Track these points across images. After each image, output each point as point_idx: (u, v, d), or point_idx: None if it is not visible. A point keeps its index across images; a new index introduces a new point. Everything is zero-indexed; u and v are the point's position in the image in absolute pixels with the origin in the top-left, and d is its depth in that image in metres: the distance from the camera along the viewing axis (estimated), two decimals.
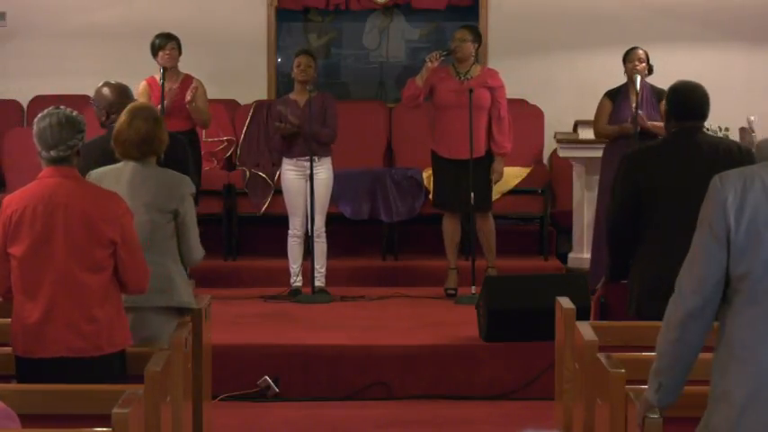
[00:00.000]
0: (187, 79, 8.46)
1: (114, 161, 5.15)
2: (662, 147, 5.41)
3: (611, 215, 5.39)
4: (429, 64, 8.22)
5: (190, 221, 5.10)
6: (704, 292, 3.18)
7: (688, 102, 5.25)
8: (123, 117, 5.09)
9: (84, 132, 4.48)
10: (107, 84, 5.76)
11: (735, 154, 5.21)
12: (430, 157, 8.48)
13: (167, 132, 5.16)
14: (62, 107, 4.50)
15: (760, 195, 3.14)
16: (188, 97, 8.27)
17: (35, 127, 4.45)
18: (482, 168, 8.28)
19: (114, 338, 4.47)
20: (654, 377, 3.35)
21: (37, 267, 4.39)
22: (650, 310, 5.09)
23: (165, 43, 8.36)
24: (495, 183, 8.48)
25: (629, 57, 8.17)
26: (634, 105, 8.01)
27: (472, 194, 8.14)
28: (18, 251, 4.40)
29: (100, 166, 5.13)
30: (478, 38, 8.47)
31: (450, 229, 8.47)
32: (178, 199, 5.05)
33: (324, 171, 8.38)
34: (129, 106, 5.20)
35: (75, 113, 4.49)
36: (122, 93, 5.70)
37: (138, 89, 8.22)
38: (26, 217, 4.39)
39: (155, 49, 8.38)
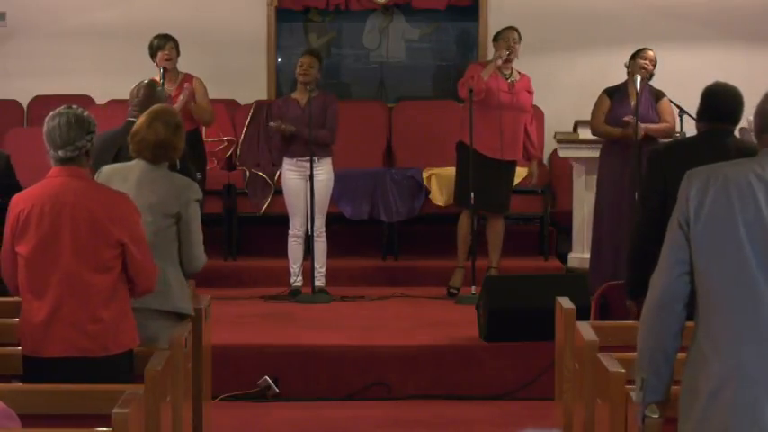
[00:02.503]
0: (187, 79, 8.42)
1: (127, 157, 5.21)
2: (690, 145, 5.37)
3: (638, 217, 5.29)
4: (498, 62, 8.31)
5: (193, 227, 5.06)
6: (670, 281, 3.24)
7: (720, 104, 5.22)
8: (144, 117, 5.12)
9: (93, 133, 4.47)
10: (140, 82, 6.15)
11: None
12: (456, 151, 8.44)
13: (184, 141, 5.16)
14: (74, 106, 4.49)
15: (720, 192, 3.19)
16: (180, 101, 8.09)
17: (45, 126, 4.44)
18: (511, 171, 8.46)
19: (120, 339, 4.47)
20: (636, 375, 3.40)
21: (44, 266, 4.38)
22: None
23: (164, 44, 8.32)
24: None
25: (639, 54, 8.11)
26: (633, 103, 8.01)
27: (472, 194, 8.16)
28: (25, 250, 4.40)
29: (115, 158, 5.32)
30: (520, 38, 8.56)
31: (467, 226, 8.45)
32: (183, 203, 5.02)
33: (323, 172, 8.38)
34: (153, 108, 5.21)
35: (85, 114, 4.48)
36: (148, 89, 6.09)
37: None
38: (33, 216, 4.39)
39: (153, 51, 8.33)
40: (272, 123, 8.36)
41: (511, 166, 8.48)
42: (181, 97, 8.17)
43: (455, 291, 8.50)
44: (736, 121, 5.25)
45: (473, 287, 8.14)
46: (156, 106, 5.27)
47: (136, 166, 5.07)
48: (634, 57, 8.13)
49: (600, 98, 8.26)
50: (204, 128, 8.90)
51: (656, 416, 3.45)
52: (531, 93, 8.53)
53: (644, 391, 3.37)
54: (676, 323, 3.27)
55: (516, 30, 8.53)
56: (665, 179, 5.12)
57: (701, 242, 3.18)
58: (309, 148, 8.24)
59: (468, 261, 8.52)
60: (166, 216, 4.99)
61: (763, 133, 3.27)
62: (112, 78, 9.87)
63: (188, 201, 5.04)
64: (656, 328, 3.30)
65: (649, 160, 5.35)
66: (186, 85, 8.27)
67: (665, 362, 3.32)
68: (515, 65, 8.52)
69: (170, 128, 5.05)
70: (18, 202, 4.46)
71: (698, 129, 5.35)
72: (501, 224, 8.52)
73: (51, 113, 4.46)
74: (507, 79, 8.37)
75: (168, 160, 5.10)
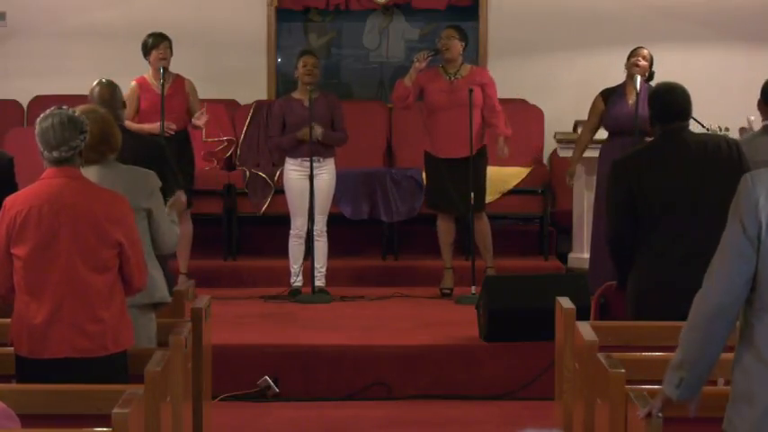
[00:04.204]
0: (178, 80, 8.36)
1: (129, 158, 5.22)
2: (650, 150, 5.40)
3: (609, 225, 5.35)
4: (417, 64, 8.27)
5: (161, 215, 5.13)
6: (734, 289, 3.19)
7: (670, 103, 5.27)
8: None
9: (86, 133, 4.47)
10: (99, 82, 5.88)
11: (723, 149, 5.22)
12: (423, 159, 8.49)
13: (119, 128, 5.15)
14: (64, 107, 4.49)
15: None
16: (201, 122, 8.23)
17: (37, 127, 4.43)
18: (475, 168, 8.25)
19: (119, 338, 4.48)
20: (674, 372, 3.34)
21: (43, 268, 4.38)
22: (648, 311, 5.09)
23: (159, 42, 8.28)
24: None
25: (632, 53, 8.20)
26: (631, 103, 8.04)
27: (472, 194, 8.15)
28: (23, 251, 4.38)
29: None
30: (465, 37, 8.45)
31: (444, 228, 8.47)
32: (147, 195, 5.07)
33: (327, 172, 8.39)
34: (78, 111, 5.15)
35: (77, 114, 4.49)
36: (111, 88, 5.86)
37: (128, 91, 8.14)
38: (32, 217, 4.38)
39: (147, 49, 8.29)
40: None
41: (475, 161, 8.21)
42: (201, 123, 8.19)
43: (448, 291, 8.50)
44: (688, 116, 5.31)
45: (473, 287, 8.14)
46: (80, 109, 5.19)
47: (88, 172, 4.95)
48: (629, 57, 8.20)
49: (594, 101, 8.27)
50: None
51: (660, 415, 3.45)
52: (484, 84, 8.28)
53: (680, 389, 3.33)
54: (730, 328, 3.24)
55: (456, 27, 8.47)
56: (630, 187, 5.18)
57: None
58: (314, 147, 8.24)
59: (465, 261, 8.53)
60: (138, 211, 4.97)
61: None
62: (112, 78, 9.80)
63: (152, 191, 5.10)
64: (713, 334, 3.24)
65: (612, 170, 5.33)
66: (202, 110, 8.25)
67: (710, 363, 3.30)
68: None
69: (100, 122, 4.97)
70: (14, 204, 4.44)
71: (653, 132, 5.39)
72: (484, 223, 8.43)
73: (43, 115, 4.45)
74: (450, 79, 8.29)
75: (112, 152, 5.07)
